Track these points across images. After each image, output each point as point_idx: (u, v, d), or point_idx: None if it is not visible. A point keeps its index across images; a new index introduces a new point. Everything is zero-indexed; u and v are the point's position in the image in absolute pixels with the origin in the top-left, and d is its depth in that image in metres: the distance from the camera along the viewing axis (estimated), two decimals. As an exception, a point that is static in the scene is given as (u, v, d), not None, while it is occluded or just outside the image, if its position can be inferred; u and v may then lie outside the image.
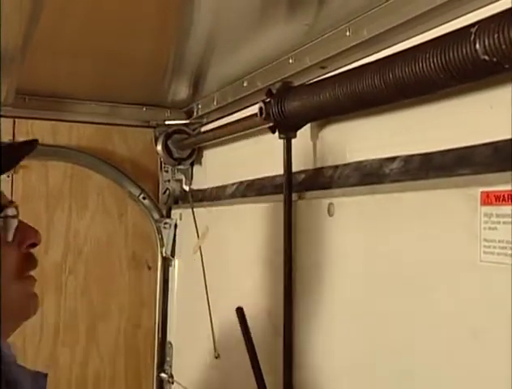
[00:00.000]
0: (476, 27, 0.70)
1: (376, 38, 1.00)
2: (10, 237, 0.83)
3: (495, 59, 0.69)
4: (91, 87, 1.75)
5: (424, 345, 0.90)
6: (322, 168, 1.21)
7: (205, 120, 1.85)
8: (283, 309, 1.22)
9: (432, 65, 0.76)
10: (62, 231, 1.92)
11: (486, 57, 0.69)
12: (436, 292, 0.87)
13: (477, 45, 0.70)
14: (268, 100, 1.20)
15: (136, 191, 1.99)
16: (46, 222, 1.90)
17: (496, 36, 0.67)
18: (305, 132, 1.23)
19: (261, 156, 1.50)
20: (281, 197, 1.23)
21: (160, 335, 2.03)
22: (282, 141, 1.22)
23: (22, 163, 1.76)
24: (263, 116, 1.21)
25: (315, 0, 1.01)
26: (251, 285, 1.46)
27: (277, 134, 1.23)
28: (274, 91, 1.20)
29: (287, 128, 1.21)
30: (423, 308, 0.90)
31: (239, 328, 1.50)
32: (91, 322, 1.96)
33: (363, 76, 0.91)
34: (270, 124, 1.22)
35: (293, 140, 1.21)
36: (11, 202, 0.85)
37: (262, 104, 1.21)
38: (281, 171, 1.24)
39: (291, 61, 1.25)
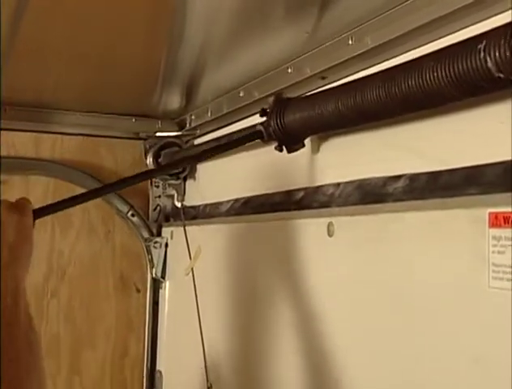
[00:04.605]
0: (484, 42, 0.71)
1: (380, 47, 1.01)
2: None
3: (502, 75, 0.71)
4: (76, 96, 1.76)
5: (428, 373, 0.91)
6: (323, 185, 1.22)
7: (198, 132, 1.86)
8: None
9: (439, 77, 0.78)
10: (44, 251, 1.92)
11: (494, 69, 0.71)
12: (441, 318, 0.88)
13: (487, 59, 0.71)
14: (265, 120, 1.21)
15: (124, 208, 1.99)
16: (27, 241, 1.90)
17: (502, 50, 0.69)
18: (305, 147, 1.24)
19: (258, 171, 1.51)
20: (280, 215, 1.24)
21: (148, 364, 2.03)
22: (280, 155, 1.23)
23: (2, 178, 1.81)
24: (265, 138, 1.22)
25: (316, 7, 1.02)
26: (247, 309, 1.47)
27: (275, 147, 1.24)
28: (268, 109, 1.20)
29: (291, 143, 1.22)
30: (428, 335, 0.91)
31: (233, 357, 1.51)
32: (75, 349, 1.96)
33: (366, 88, 0.92)
34: (276, 144, 1.23)
35: (292, 155, 1.22)
36: None
37: (261, 128, 1.22)
38: (280, 188, 1.26)
39: (290, 70, 1.26)
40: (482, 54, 0.71)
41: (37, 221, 1.87)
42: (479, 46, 0.71)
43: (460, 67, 0.74)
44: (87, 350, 1.97)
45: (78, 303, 1.96)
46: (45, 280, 1.93)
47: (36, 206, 1.87)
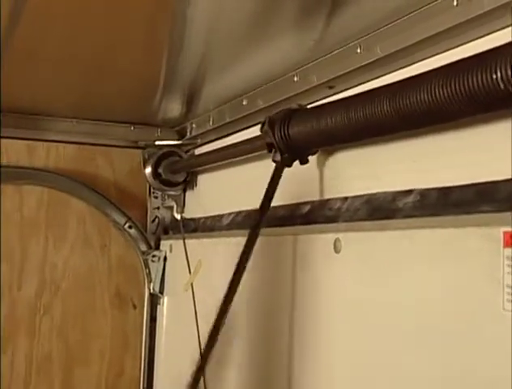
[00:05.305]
0: (499, 57, 0.72)
1: (390, 57, 1.02)
2: None
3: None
4: (72, 102, 1.76)
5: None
6: (330, 199, 1.23)
7: (199, 141, 1.87)
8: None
9: (452, 93, 0.78)
10: (37, 264, 1.92)
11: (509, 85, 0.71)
12: (452, 341, 0.88)
13: (502, 75, 0.71)
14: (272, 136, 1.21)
15: (121, 219, 2.00)
16: (20, 254, 1.90)
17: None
18: (310, 159, 1.25)
19: (262, 183, 1.50)
20: (284, 230, 1.24)
21: (145, 384, 2.02)
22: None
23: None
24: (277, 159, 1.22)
25: (324, 13, 1.03)
26: (249, 327, 1.47)
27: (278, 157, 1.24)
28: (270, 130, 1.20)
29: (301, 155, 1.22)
30: (437, 357, 0.91)
31: (233, 378, 1.50)
32: (68, 368, 1.96)
33: (375, 102, 0.92)
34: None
35: (298, 168, 1.23)
36: None
37: (276, 158, 1.22)
38: (284, 201, 1.26)
39: (296, 79, 1.26)
40: (497, 71, 0.71)
41: (29, 232, 1.89)
42: (493, 61, 0.72)
43: (474, 83, 0.74)
44: (80, 369, 1.97)
45: (72, 319, 1.96)
46: (37, 295, 1.93)
47: (31, 216, 1.90)
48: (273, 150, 1.21)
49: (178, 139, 1.95)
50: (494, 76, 0.71)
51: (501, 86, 0.71)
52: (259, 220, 1.20)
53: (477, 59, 0.76)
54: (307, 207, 1.29)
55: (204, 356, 1.18)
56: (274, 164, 1.27)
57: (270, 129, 1.18)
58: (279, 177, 1.21)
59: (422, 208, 0.98)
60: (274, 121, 1.18)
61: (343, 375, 1.13)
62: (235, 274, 1.21)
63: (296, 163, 1.22)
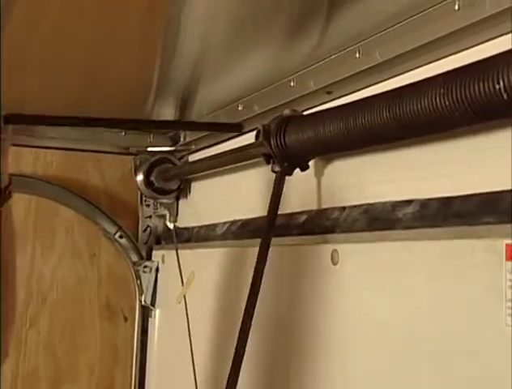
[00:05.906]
0: (500, 63, 0.72)
1: (390, 62, 1.02)
2: None
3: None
4: (61, 107, 1.76)
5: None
6: (327, 209, 1.23)
7: (193, 147, 1.87)
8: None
9: (452, 100, 0.78)
10: (24, 275, 1.91)
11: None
12: (453, 357, 0.88)
13: (501, 83, 0.72)
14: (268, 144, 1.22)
15: (112, 228, 2.00)
16: (5, 264, 1.90)
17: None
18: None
19: (257, 191, 1.51)
20: (280, 241, 1.25)
21: (136, 399, 2.03)
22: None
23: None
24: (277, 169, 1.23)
25: (322, 17, 1.03)
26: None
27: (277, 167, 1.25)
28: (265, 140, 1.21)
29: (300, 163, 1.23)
30: (438, 374, 0.91)
31: None
32: (55, 383, 1.95)
33: (373, 109, 0.93)
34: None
35: (295, 176, 1.23)
36: None
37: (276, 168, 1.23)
38: (281, 210, 1.25)
39: (292, 84, 1.27)
40: (500, 80, 0.72)
41: (17, 242, 1.88)
42: (495, 69, 0.72)
43: (476, 93, 0.75)
44: (68, 384, 1.97)
45: (60, 333, 1.96)
46: (24, 307, 1.92)
47: (17, 224, 1.89)
48: (271, 160, 1.21)
49: (171, 145, 1.95)
50: (497, 86, 0.72)
51: (504, 96, 0.71)
52: (268, 232, 1.20)
53: (479, 67, 0.76)
54: (303, 217, 1.29)
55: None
56: (271, 171, 1.27)
57: (266, 139, 1.19)
58: (282, 187, 1.21)
59: (422, 219, 0.98)
60: (269, 131, 1.19)
61: (341, 386, 1.13)
62: (250, 295, 1.21)
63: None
